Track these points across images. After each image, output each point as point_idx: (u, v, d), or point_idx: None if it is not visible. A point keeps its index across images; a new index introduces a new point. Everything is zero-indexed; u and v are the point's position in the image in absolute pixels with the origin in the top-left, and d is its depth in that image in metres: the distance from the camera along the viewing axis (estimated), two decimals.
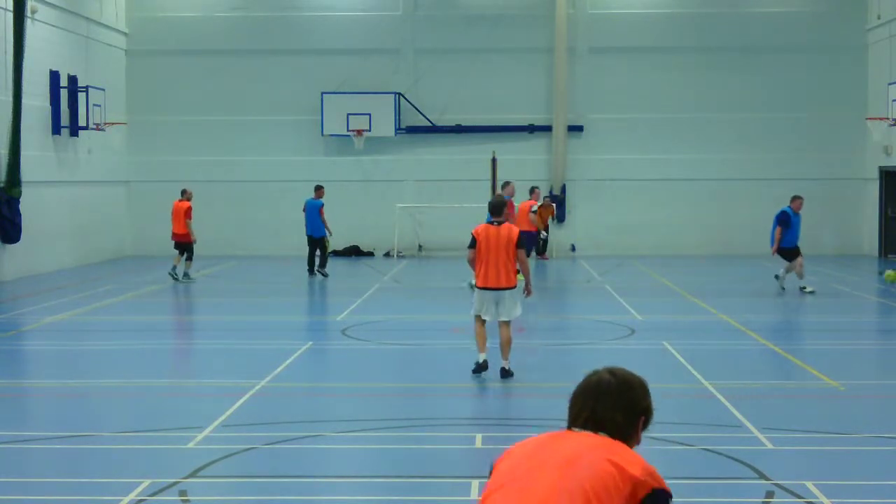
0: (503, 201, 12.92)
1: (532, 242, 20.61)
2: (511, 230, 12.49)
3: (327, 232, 24.82)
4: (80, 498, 7.95)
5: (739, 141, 32.05)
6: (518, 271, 12.64)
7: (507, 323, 12.46)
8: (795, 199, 22.00)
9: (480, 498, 3.63)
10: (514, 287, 12.49)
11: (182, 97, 32.34)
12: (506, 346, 12.43)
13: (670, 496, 3.56)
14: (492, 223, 12.61)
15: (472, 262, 12.75)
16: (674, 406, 10.99)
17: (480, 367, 12.45)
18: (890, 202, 30.79)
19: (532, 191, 26.02)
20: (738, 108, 32.03)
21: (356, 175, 31.93)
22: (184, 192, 24.11)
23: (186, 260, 23.70)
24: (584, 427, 3.69)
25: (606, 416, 3.67)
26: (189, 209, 23.37)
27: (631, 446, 3.67)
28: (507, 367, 12.35)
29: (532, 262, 26.83)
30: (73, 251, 28.21)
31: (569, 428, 3.74)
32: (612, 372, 3.76)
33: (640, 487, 3.48)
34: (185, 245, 23.62)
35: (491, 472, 3.71)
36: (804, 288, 21.42)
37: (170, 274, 23.83)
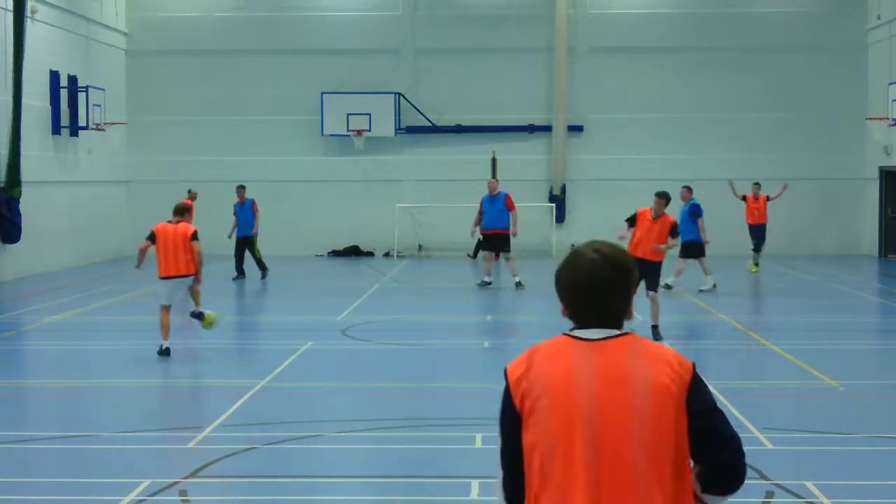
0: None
1: None
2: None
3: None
4: (80, 498, 7.95)
5: (739, 141, 32.04)
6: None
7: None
8: (686, 188, 22.18)
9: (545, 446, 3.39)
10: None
11: (182, 97, 32.34)
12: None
13: (695, 366, 3.56)
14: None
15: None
16: None
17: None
18: (890, 202, 30.79)
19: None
20: (738, 108, 32.03)
21: (356, 175, 31.92)
22: (189, 192, 24.25)
23: None
24: (599, 325, 3.55)
25: (619, 308, 3.57)
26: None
27: (627, 318, 3.63)
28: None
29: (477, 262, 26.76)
30: (73, 251, 28.21)
31: (579, 325, 3.58)
32: (598, 251, 3.56)
33: (683, 374, 3.46)
34: None
35: (519, 405, 3.46)
36: (672, 286, 21.33)
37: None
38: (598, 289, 3.53)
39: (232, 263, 24.47)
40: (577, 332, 3.57)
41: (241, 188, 24.98)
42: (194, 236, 14.56)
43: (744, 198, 26.05)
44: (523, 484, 3.47)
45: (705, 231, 21.60)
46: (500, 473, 3.54)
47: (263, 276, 24.39)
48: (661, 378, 3.43)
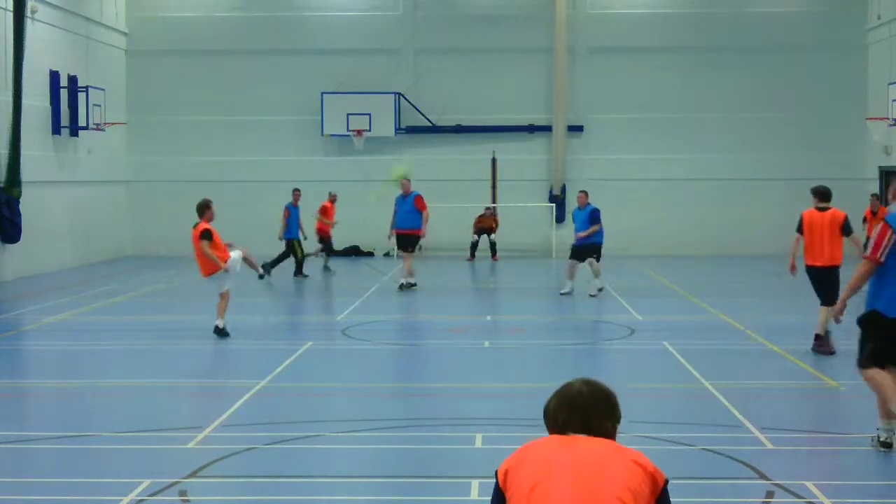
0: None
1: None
2: None
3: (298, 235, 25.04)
4: (80, 498, 7.95)
5: (739, 141, 32.04)
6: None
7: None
8: (583, 193, 21.39)
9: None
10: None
11: (182, 97, 32.34)
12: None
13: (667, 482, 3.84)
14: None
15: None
16: (674, 406, 10.99)
17: None
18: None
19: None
20: (738, 108, 32.03)
21: (356, 175, 31.90)
22: (329, 194, 26.37)
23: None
24: (578, 433, 3.85)
25: (600, 426, 3.86)
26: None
27: None
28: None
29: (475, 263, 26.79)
30: (73, 251, 28.20)
31: (561, 433, 3.87)
32: (587, 383, 3.92)
33: (657, 479, 3.73)
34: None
35: (502, 482, 3.79)
36: (600, 290, 20.85)
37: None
38: (583, 409, 3.87)
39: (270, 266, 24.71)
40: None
41: (297, 191, 25.45)
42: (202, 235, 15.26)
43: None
44: None
45: (600, 232, 21.05)
46: None
47: (262, 277, 24.39)
48: (638, 459, 3.75)
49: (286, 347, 14.75)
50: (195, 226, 15.47)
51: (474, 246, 30.83)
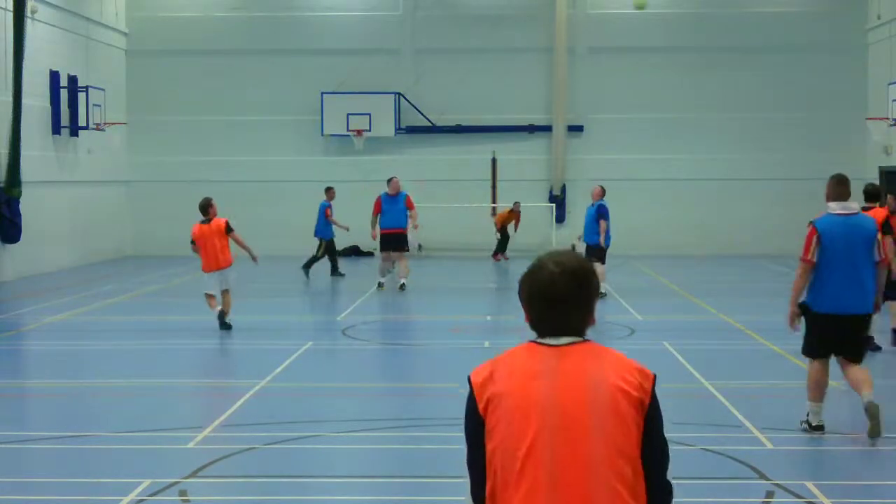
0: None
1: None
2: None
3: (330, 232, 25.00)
4: (80, 498, 7.95)
5: (739, 141, 32.04)
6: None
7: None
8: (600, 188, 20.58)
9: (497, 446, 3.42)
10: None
11: (182, 97, 32.34)
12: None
13: (655, 379, 3.56)
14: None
15: None
16: (674, 406, 10.98)
17: None
18: None
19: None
20: (738, 108, 32.03)
21: (356, 175, 31.88)
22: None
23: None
24: (556, 334, 3.56)
25: (576, 321, 3.56)
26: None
27: (589, 325, 3.63)
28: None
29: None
30: (73, 251, 28.21)
31: (540, 334, 3.58)
32: (559, 263, 3.56)
33: (644, 401, 3.46)
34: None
35: (483, 410, 3.47)
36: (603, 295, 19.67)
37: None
38: (557, 302, 3.55)
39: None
40: (542, 340, 3.60)
41: (332, 189, 25.59)
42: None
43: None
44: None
45: (608, 235, 20.15)
46: (468, 482, 3.55)
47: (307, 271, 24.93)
48: (621, 383, 3.46)
49: (286, 347, 14.75)
50: (205, 222, 16.27)
51: (505, 242, 30.50)
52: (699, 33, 32.02)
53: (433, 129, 32.27)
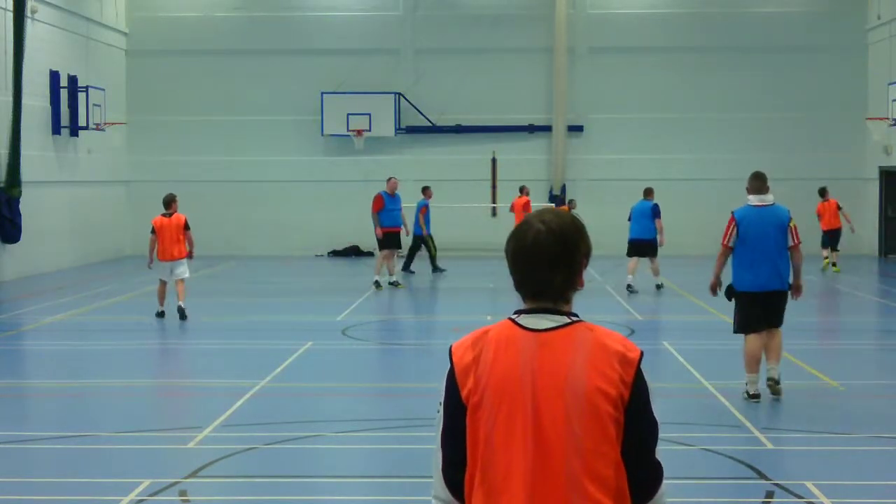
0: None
1: None
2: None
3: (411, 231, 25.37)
4: (80, 498, 7.95)
5: (740, 141, 32.03)
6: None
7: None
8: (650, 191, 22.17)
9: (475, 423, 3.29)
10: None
11: (182, 97, 32.34)
12: None
13: (641, 357, 3.49)
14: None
15: None
16: (674, 406, 10.99)
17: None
18: (890, 202, 30.79)
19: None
20: (738, 108, 32.03)
21: (356, 175, 31.88)
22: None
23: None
24: (537, 297, 3.40)
25: (559, 282, 3.39)
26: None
27: (576, 289, 3.45)
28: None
29: None
30: (73, 251, 28.21)
31: (524, 300, 3.43)
32: (545, 222, 3.40)
33: (624, 396, 3.35)
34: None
35: (465, 397, 3.32)
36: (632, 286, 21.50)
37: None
38: (539, 262, 3.38)
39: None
40: (523, 320, 3.41)
41: (427, 188, 26.12)
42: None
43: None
44: (465, 469, 3.34)
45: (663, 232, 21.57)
46: (438, 458, 3.39)
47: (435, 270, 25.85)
48: (599, 382, 3.32)
49: (286, 347, 14.75)
50: (167, 216, 17.78)
51: None
52: (699, 33, 32.02)
53: (433, 129, 32.26)
